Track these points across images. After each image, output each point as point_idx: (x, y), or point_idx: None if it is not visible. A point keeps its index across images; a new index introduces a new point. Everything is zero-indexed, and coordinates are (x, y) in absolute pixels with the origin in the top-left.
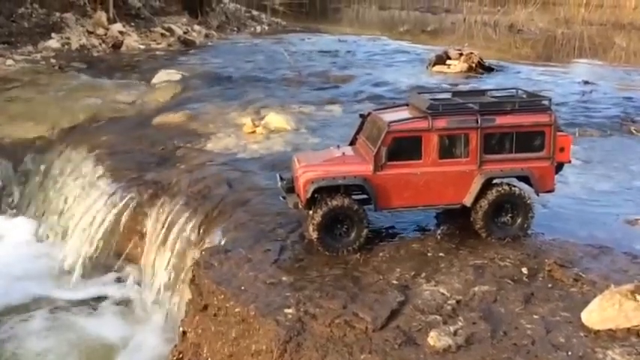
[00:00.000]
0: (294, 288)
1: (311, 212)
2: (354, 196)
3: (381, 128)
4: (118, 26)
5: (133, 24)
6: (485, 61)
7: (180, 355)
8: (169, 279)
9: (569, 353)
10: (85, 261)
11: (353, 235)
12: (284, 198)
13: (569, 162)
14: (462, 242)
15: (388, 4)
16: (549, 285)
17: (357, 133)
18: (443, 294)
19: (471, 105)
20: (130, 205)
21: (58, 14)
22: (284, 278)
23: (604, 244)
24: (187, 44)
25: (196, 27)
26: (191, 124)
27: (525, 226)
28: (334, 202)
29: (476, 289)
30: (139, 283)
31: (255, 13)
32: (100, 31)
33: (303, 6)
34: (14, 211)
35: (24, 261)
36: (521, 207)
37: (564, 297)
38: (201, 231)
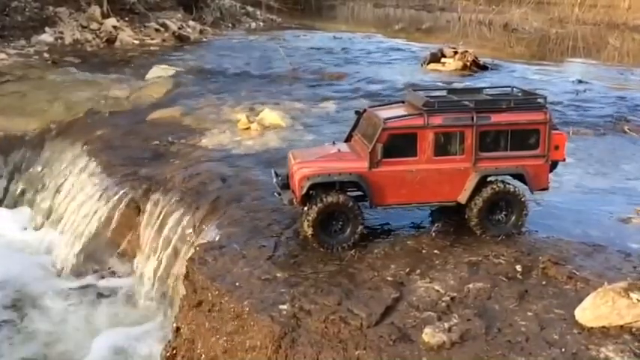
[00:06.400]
0: (289, 284)
1: (306, 208)
2: (349, 193)
3: (376, 125)
4: (112, 21)
5: (127, 19)
6: (479, 59)
7: (174, 351)
8: (163, 275)
9: (563, 350)
10: (79, 254)
11: (348, 231)
12: (279, 194)
13: (564, 160)
14: (456, 239)
15: (383, 1)
16: (543, 282)
17: (353, 129)
18: (437, 291)
19: (466, 103)
20: (124, 200)
21: (51, 8)
22: (279, 274)
23: (598, 242)
24: (182, 40)
25: (191, 23)
26: (185, 120)
27: (519, 223)
28: (329, 199)
29: (470, 286)
30: (132, 278)
31: (250, 9)
32: (94, 25)
33: (298, 3)
34: (7, 204)
35: (16, 254)
36: (515, 205)
37: (558, 294)
38: (195, 227)
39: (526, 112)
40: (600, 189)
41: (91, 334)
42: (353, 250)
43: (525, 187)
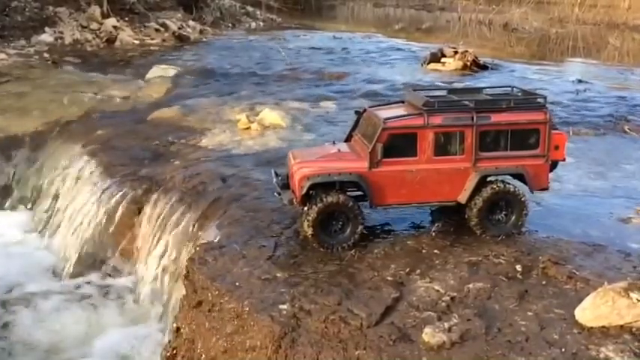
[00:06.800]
0: (289, 284)
1: (306, 208)
2: (349, 193)
3: (376, 125)
4: (112, 21)
5: (127, 19)
6: (479, 59)
7: (174, 351)
8: (163, 275)
9: (563, 350)
10: (79, 255)
11: (348, 231)
12: (279, 194)
13: (564, 160)
14: (456, 239)
15: (383, 1)
16: (543, 282)
17: (353, 129)
18: (437, 290)
19: (466, 102)
20: (124, 200)
21: (51, 8)
22: (279, 274)
23: (597, 242)
24: (182, 40)
25: (191, 23)
26: (185, 120)
27: (519, 223)
28: (329, 199)
29: (470, 285)
30: (132, 277)
31: (250, 9)
32: (94, 25)
33: (298, 3)
34: (8, 204)
35: (17, 255)
36: (515, 204)
37: (558, 294)
38: (195, 227)
39: (526, 112)
40: (600, 189)
41: (92, 335)
42: (353, 250)
43: (525, 186)
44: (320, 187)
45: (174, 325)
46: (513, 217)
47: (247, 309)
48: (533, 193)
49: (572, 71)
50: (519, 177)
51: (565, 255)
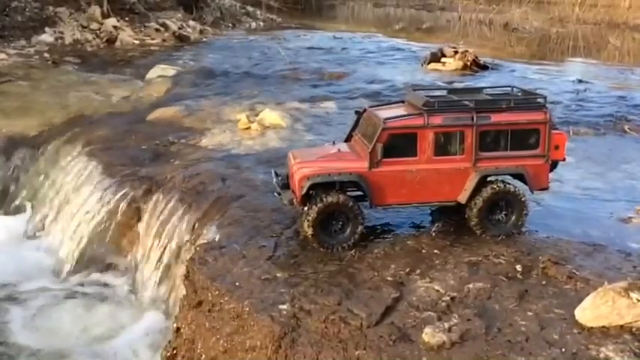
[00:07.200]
0: (289, 284)
1: (306, 208)
2: (349, 193)
3: (376, 125)
4: (112, 21)
5: (127, 19)
6: (480, 59)
7: (174, 352)
8: (163, 275)
9: (563, 350)
10: (79, 255)
11: (348, 231)
12: (279, 194)
13: (564, 160)
14: (456, 239)
15: (383, 1)
16: (543, 282)
17: (353, 129)
18: (437, 290)
19: (466, 102)
20: (124, 200)
21: (51, 8)
22: (279, 274)
23: (597, 242)
24: (182, 40)
25: (191, 23)
26: (186, 120)
27: (519, 223)
28: (329, 199)
29: (470, 285)
30: (132, 278)
31: (250, 9)
32: (94, 25)
33: (298, 3)
34: (8, 204)
35: (17, 255)
36: (515, 204)
37: (558, 294)
38: (195, 227)
39: (526, 111)
40: (600, 189)
41: (92, 335)
42: (353, 250)
43: (525, 186)
44: (320, 187)
45: (175, 325)
46: (513, 217)
47: (247, 309)
48: (533, 193)
49: (572, 71)
50: (519, 177)
51: (565, 255)
